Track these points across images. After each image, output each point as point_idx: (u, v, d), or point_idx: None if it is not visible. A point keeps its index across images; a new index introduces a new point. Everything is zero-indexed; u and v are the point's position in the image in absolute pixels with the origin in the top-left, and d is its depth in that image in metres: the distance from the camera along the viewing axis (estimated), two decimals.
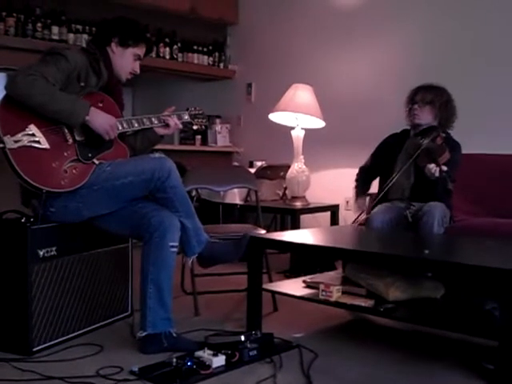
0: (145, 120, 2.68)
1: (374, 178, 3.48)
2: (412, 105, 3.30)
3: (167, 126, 2.76)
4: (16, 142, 2.32)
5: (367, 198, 3.43)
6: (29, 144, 2.35)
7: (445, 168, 2.92)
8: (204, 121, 2.91)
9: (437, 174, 2.92)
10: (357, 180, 3.53)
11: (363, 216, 3.28)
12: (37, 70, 2.37)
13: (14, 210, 2.53)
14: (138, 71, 2.74)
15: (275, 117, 4.47)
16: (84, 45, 4.55)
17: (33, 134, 2.37)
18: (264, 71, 5.40)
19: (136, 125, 2.65)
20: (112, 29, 2.68)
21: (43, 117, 2.39)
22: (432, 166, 2.93)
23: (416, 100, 3.28)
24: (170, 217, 2.48)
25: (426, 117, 3.26)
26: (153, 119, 2.71)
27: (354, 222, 3.38)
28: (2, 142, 2.30)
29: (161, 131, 2.78)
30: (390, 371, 2.29)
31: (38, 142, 2.37)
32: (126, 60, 2.68)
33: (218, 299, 3.25)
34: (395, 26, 4.54)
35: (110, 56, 2.65)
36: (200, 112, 2.89)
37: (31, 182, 2.33)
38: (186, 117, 2.84)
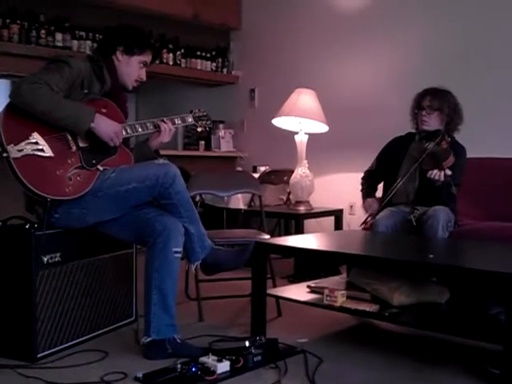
0: (148, 124, 2.67)
1: (380, 182, 3.47)
2: (419, 110, 3.29)
3: (160, 131, 2.68)
4: (19, 150, 2.32)
5: (375, 199, 3.41)
6: (32, 152, 2.35)
7: (449, 172, 2.91)
8: (208, 123, 2.90)
9: (441, 179, 2.91)
10: (362, 184, 3.52)
11: (372, 218, 3.25)
12: (41, 78, 2.37)
13: (19, 216, 2.54)
14: (145, 78, 2.74)
15: (278, 122, 4.47)
16: (88, 51, 4.59)
17: (36, 143, 2.37)
18: (267, 76, 5.41)
19: (140, 130, 2.64)
20: (117, 37, 2.68)
21: (46, 124, 2.39)
22: (436, 171, 2.92)
23: (424, 106, 3.26)
24: (174, 222, 2.48)
25: (434, 123, 3.25)
26: (157, 122, 2.70)
27: (362, 223, 3.35)
28: (6, 152, 2.31)
29: (156, 143, 2.72)
30: (395, 376, 2.28)
31: (42, 150, 2.37)
32: (131, 68, 2.67)
33: (222, 305, 3.24)
34: (398, 31, 4.54)
35: (115, 64, 2.65)
36: (204, 114, 2.88)
37: (35, 190, 2.33)
38: (190, 119, 2.83)
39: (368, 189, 3.48)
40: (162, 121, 2.70)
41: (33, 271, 2.38)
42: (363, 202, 3.43)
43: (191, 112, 2.85)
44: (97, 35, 4.79)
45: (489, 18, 4.07)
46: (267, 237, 3.15)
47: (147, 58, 2.71)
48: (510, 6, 3.99)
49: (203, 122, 2.88)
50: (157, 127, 2.69)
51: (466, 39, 4.17)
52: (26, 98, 2.34)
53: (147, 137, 2.76)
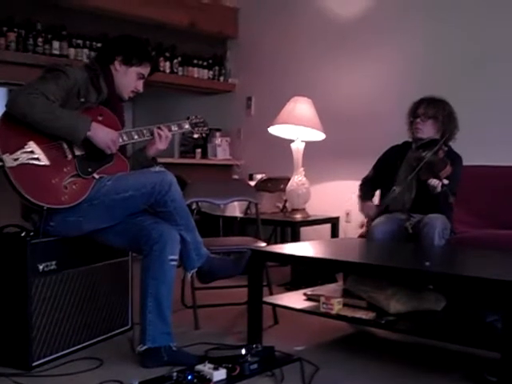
0: (145, 131, 2.67)
1: (377, 189, 3.47)
2: (414, 118, 3.30)
3: (154, 138, 2.66)
4: (15, 159, 2.32)
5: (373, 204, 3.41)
6: (28, 161, 2.34)
7: (446, 182, 2.92)
8: (205, 129, 2.88)
9: (438, 189, 2.92)
10: (360, 189, 3.51)
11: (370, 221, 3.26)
12: (37, 88, 2.37)
13: (14, 225, 2.54)
14: (141, 90, 2.74)
15: (275, 130, 4.48)
16: (85, 59, 4.59)
17: (32, 151, 2.36)
18: (264, 84, 5.42)
19: (136, 137, 2.64)
20: (116, 47, 2.68)
21: (42, 133, 2.39)
22: (434, 180, 2.93)
23: (418, 114, 3.27)
24: (170, 230, 2.48)
25: (428, 130, 3.26)
26: (153, 129, 2.70)
27: (362, 226, 3.36)
28: (1, 161, 2.30)
29: (153, 150, 2.70)
30: None
31: (38, 158, 2.37)
32: (128, 79, 2.67)
33: (218, 312, 3.24)
34: (395, 39, 4.56)
35: (112, 73, 2.65)
36: (201, 120, 2.87)
37: (32, 199, 2.32)
38: (187, 125, 2.83)
39: (366, 193, 3.48)
40: (159, 128, 2.70)
41: (28, 279, 2.37)
42: (361, 205, 3.42)
43: (188, 118, 2.85)
44: (94, 43, 4.81)
45: (487, 28, 4.08)
46: (263, 244, 3.14)
47: (145, 70, 2.71)
48: (511, 10, 4.01)
49: (200, 129, 2.88)
50: (153, 134, 2.68)
51: (465, 48, 4.18)
52: (23, 108, 2.34)
53: (144, 145, 2.76)
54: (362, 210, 3.40)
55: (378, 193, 3.48)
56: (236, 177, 5.46)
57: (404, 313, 2.49)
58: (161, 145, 2.70)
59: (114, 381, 2.23)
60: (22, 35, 4.47)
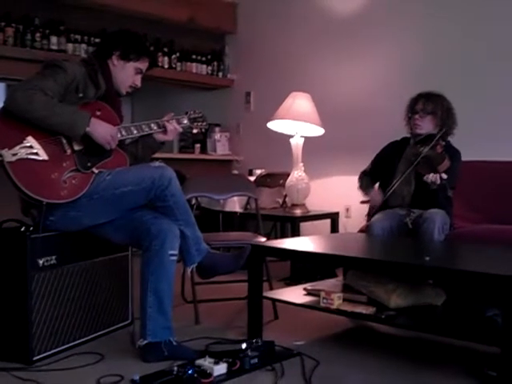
0: (144, 126, 2.67)
1: (376, 182, 3.47)
2: (413, 114, 3.30)
3: (166, 131, 2.72)
4: (14, 154, 2.31)
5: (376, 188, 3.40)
6: (26, 156, 2.34)
7: (445, 176, 2.92)
8: (204, 124, 2.88)
9: (438, 182, 2.92)
10: (360, 181, 3.49)
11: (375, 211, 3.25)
12: (35, 84, 2.36)
13: (14, 219, 2.53)
14: (139, 85, 2.73)
15: (274, 125, 4.48)
16: (83, 55, 4.58)
17: (30, 146, 2.36)
18: (263, 80, 5.41)
19: (135, 132, 2.64)
20: (114, 42, 2.67)
21: (41, 128, 2.38)
22: (432, 174, 2.93)
23: (417, 109, 3.28)
24: (170, 225, 2.48)
25: (427, 126, 3.26)
26: (152, 125, 2.69)
27: (367, 215, 3.36)
28: (0, 156, 2.29)
29: (161, 137, 2.75)
30: (391, 379, 2.28)
31: (36, 153, 2.36)
32: (126, 73, 2.67)
33: (218, 307, 3.24)
34: (394, 34, 4.56)
35: (110, 68, 2.64)
36: (199, 115, 2.87)
37: (31, 194, 2.32)
38: (186, 121, 2.82)
39: (366, 185, 3.46)
40: (157, 124, 2.70)
41: (28, 274, 2.37)
42: (366, 194, 3.41)
43: (187, 113, 2.84)
44: (92, 38, 4.79)
45: (487, 24, 4.07)
46: (263, 239, 3.14)
47: (143, 65, 2.70)
48: (509, 6, 4.00)
49: (199, 124, 2.87)
50: (153, 129, 2.68)
51: (464, 44, 4.18)
52: (21, 105, 2.33)
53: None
54: (369, 197, 3.38)
55: (376, 186, 3.48)
56: (235, 172, 5.46)
57: (404, 307, 2.49)
58: (169, 137, 2.73)
59: (114, 375, 2.23)
60: (20, 30, 4.46)
